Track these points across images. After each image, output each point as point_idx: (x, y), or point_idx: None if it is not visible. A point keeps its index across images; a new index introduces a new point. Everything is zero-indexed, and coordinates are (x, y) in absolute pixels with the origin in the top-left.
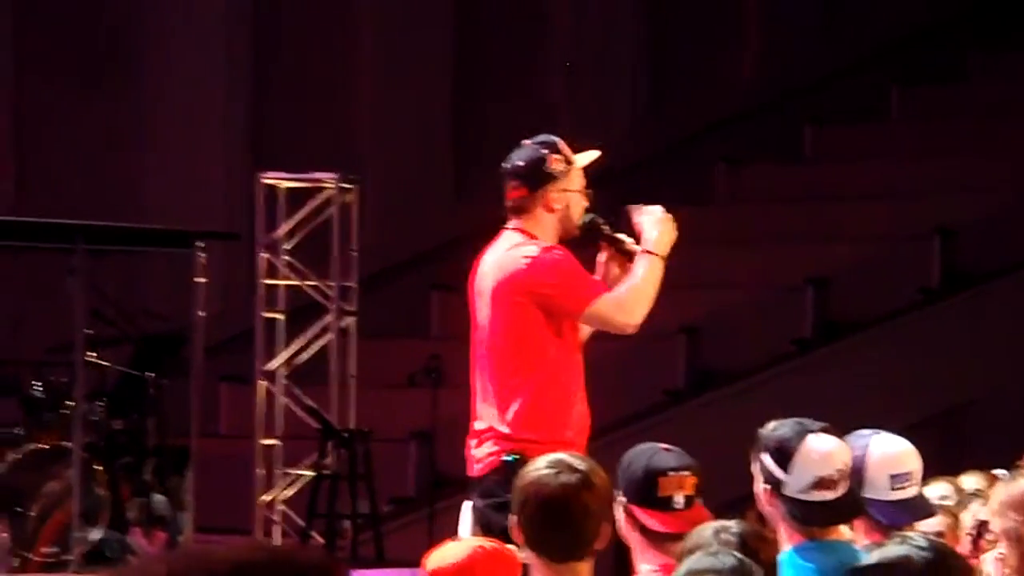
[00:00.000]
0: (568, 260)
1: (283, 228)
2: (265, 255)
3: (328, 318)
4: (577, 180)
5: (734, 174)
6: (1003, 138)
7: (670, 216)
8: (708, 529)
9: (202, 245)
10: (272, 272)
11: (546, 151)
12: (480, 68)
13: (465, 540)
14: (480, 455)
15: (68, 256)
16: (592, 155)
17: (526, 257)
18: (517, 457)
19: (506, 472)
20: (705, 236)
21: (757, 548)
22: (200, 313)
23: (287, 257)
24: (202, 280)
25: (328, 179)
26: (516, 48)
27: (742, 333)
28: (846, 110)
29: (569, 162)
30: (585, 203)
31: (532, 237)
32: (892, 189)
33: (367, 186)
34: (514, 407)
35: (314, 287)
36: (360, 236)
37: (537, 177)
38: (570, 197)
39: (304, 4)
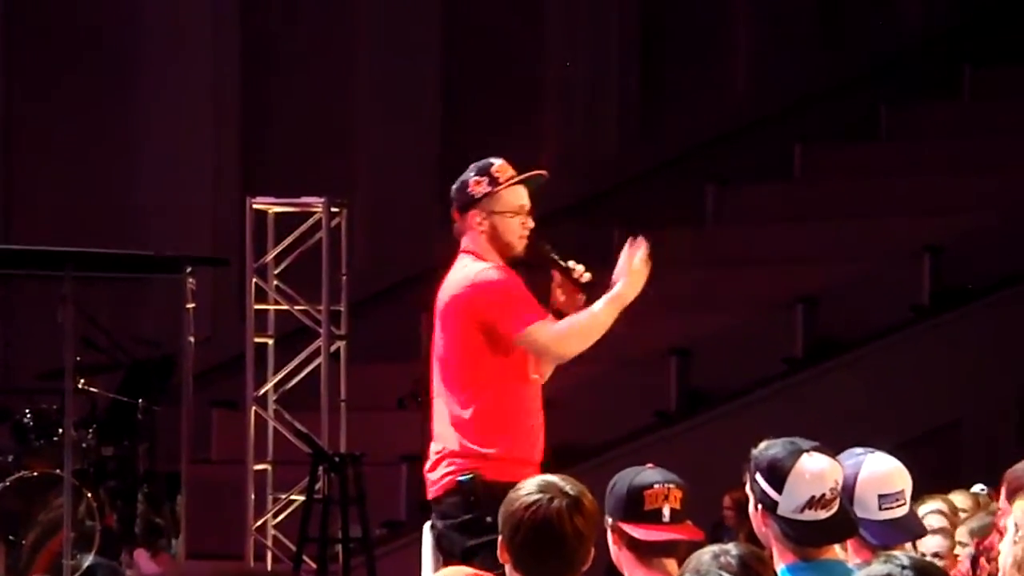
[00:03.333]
0: (507, 283)
1: (272, 253)
2: (254, 280)
3: (318, 342)
4: (506, 202)
5: (724, 194)
6: (992, 156)
7: (646, 269)
8: (707, 553)
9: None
10: (261, 297)
11: (472, 174)
12: (471, 91)
13: (460, 568)
14: (435, 477)
15: (58, 283)
16: (530, 175)
17: (467, 279)
18: (472, 477)
19: (462, 493)
20: (695, 257)
21: (758, 570)
22: (190, 338)
23: (276, 282)
24: (191, 306)
25: (317, 203)
26: (506, 70)
27: (732, 354)
28: (836, 129)
29: (494, 183)
30: (525, 223)
31: (480, 258)
32: (882, 207)
33: (356, 210)
34: (464, 425)
35: (304, 311)
36: (349, 260)
37: (462, 200)
38: (496, 219)
39: (294, 29)
